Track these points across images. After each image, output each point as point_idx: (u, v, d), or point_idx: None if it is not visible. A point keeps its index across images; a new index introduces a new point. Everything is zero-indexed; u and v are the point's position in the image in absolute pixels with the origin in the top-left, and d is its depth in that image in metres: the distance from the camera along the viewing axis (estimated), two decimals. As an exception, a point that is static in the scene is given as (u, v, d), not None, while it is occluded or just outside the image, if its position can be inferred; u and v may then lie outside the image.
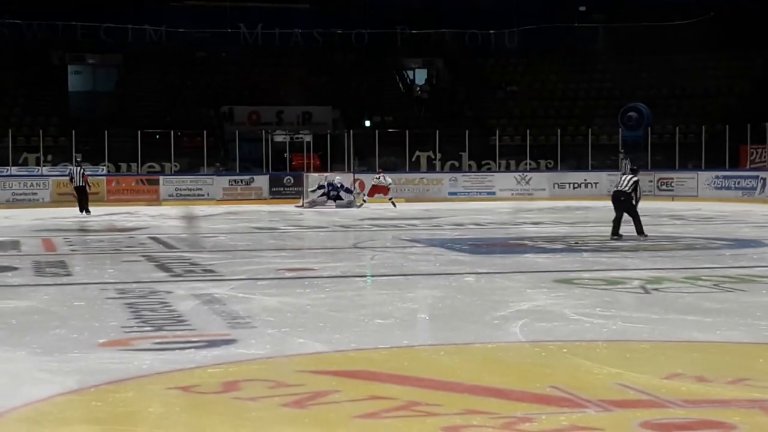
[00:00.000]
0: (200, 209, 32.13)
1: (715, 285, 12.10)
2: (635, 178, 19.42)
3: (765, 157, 37.68)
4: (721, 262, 15.17)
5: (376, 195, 34.01)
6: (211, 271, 14.03)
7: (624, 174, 19.96)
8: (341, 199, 32.46)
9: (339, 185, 32.73)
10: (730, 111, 43.39)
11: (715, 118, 42.57)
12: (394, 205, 33.00)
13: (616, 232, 19.05)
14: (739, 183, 35.95)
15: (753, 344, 8.40)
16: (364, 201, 33.67)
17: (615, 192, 19.68)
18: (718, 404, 6.25)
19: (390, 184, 34.44)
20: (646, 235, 19.02)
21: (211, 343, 8.40)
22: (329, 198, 32.57)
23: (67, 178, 31.05)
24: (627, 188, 19.26)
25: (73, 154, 35.77)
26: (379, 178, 34.36)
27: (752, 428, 5.73)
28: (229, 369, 7.41)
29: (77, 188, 29.69)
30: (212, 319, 9.72)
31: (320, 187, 32.92)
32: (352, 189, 33.22)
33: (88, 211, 29.13)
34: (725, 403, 6.28)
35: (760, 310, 10.07)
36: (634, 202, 19.30)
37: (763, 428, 5.74)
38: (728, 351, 8.16)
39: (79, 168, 30.10)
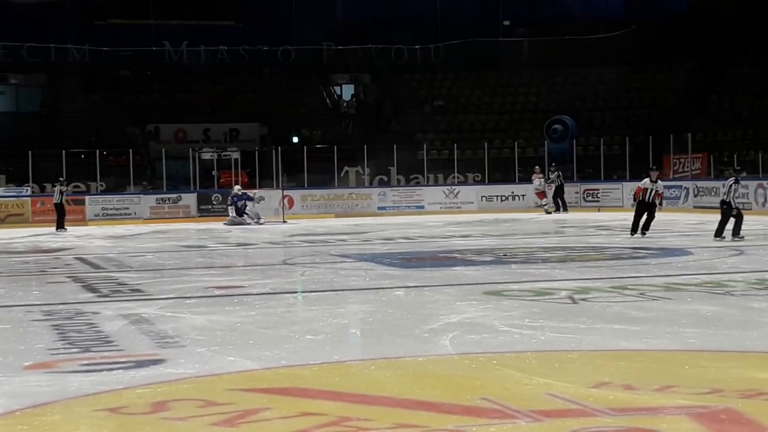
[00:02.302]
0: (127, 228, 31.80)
1: (641, 294, 12.25)
2: (730, 182, 20.64)
3: (688, 167, 38.29)
4: (646, 271, 15.37)
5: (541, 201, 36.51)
6: (138, 290, 13.88)
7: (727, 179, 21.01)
8: (246, 206, 32.45)
9: (240, 194, 32.73)
10: (653, 122, 44.07)
11: (638, 129, 43.24)
12: (548, 213, 35.49)
13: (719, 234, 20.49)
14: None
15: (678, 351, 8.52)
16: (548, 211, 35.90)
17: (721, 200, 20.88)
18: (645, 412, 6.33)
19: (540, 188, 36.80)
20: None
21: (140, 364, 8.30)
22: (238, 210, 32.53)
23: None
24: (725, 195, 20.63)
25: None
26: (543, 181, 36.96)
27: (679, 434, 5.81)
28: (158, 389, 7.33)
29: (56, 205, 31.49)
30: (140, 339, 9.61)
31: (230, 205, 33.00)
32: (252, 197, 33.05)
33: (64, 228, 30.94)
34: (652, 410, 6.36)
35: (685, 318, 10.21)
36: (732, 207, 20.39)
37: (689, 434, 5.82)
38: (654, 359, 8.26)
39: (59, 186, 31.82)
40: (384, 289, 13.59)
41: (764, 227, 25.06)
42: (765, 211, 31.02)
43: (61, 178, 33.06)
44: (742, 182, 22.20)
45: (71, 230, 31.21)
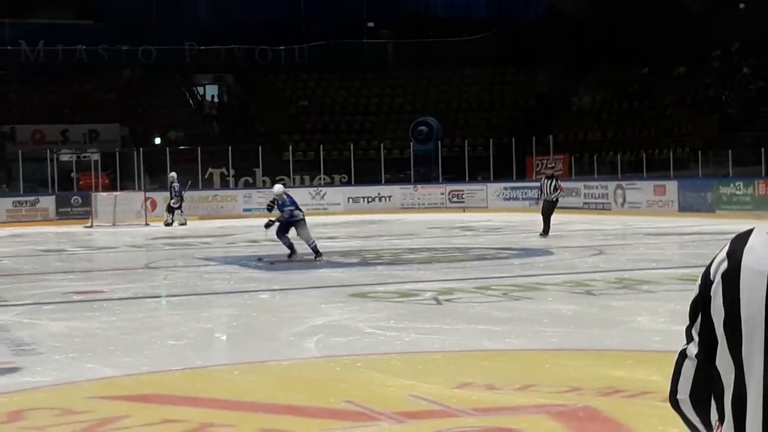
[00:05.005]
0: None
1: (504, 294, 12.42)
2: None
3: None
4: (509, 271, 15.60)
5: None
6: (-6, 296, 13.48)
7: None
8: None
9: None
10: (515, 124, 44.82)
11: (501, 131, 43.90)
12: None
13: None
14: (526, 193, 37.04)
15: (539, 351, 8.65)
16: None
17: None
18: (506, 411, 6.40)
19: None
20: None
21: (-6, 372, 8.06)
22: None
23: None
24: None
25: None
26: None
27: (539, 433, 5.89)
28: (14, 398, 7.13)
29: None
30: (-5, 347, 9.33)
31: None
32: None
33: None
34: (513, 409, 6.43)
35: (545, 317, 10.38)
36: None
37: (549, 432, 5.91)
38: (516, 358, 8.37)
39: None
40: (248, 292, 13.49)
41: (623, 227, 25.73)
42: (624, 211, 31.87)
43: None
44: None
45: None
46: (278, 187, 19.12)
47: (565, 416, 6.21)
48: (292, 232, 17.89)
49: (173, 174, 32.56)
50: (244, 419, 6.38)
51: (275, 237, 18.04)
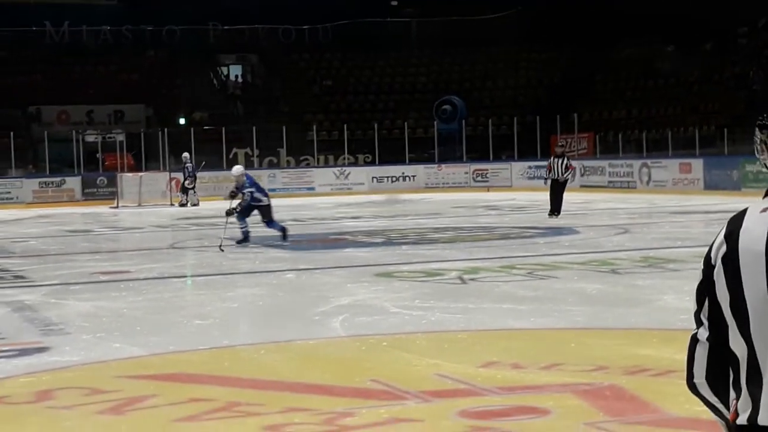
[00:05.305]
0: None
1: (529, 273, 12.41)
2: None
3: (574, 146, 38.88)
4: (535, 250, 15.58)
5: None
6: (21, 277, 13.57)
7: None
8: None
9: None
10: (540, 102, 44.63)
11: (526, 109, 43.71)
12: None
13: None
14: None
15: (565, 329, 8.65)
16: None
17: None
18: (532, 390, 6.41)
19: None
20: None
21: (23, 352, 8.13)
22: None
23: None
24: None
25: None
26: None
27: (565, 412, 5.89)
28: (43, 378, 7.19)
29: None
30: (23, 326, 9.40)
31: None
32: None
33: None
34: (539, 388, 6.44)
35: (571, 296, 10.37)
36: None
37: (574, 411, 5.91)
38: (541, 337, 8.37)
39: None
40: (274, 272, 13.54)
41: (648, 206, 25.63)
42: (649, 190, 31.74)
43: None
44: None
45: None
46: (237, 169, 18.03)
47: (591, 395, 6.22)
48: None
49: (186, 154, 32.65)
50: (271, 398, 6.42)
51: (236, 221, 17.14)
